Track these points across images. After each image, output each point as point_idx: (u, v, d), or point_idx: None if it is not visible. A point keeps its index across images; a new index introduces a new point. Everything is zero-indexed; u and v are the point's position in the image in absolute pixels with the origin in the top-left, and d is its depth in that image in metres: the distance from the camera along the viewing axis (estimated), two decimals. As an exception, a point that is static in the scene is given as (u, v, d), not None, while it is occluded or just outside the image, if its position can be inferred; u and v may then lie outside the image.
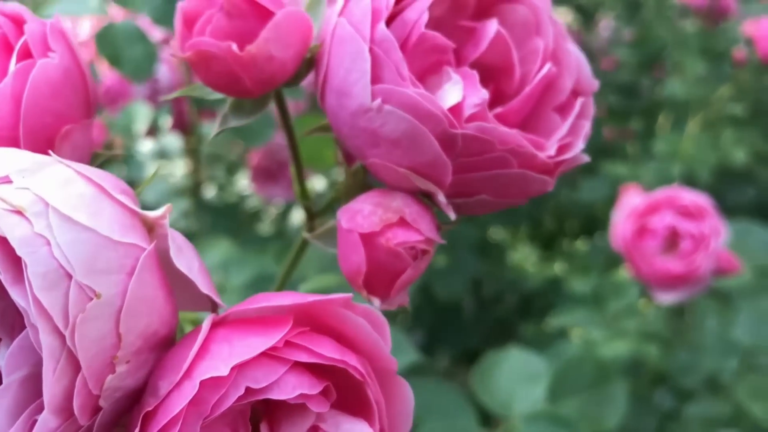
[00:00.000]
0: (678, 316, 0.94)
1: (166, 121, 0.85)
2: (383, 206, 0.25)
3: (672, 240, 0.72)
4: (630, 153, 1.43)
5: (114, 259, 0.20)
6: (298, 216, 1.15)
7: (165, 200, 1.03)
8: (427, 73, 0.26)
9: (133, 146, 0.82)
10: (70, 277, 0.19)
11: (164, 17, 0.69)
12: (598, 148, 1.42)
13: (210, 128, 1.01)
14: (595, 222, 1.39)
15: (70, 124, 0.26)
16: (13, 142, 0.25)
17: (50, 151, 0.22)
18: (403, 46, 0.24)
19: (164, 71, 0.92)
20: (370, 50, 0.23)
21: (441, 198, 0.25)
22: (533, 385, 0.66)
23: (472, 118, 0.24)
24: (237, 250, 0.72)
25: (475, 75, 0.25)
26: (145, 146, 0.86)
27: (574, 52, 0.27)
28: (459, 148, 0.24)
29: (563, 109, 0.27)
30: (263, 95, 0.27)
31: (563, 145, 0.26)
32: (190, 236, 0.84)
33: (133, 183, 0.77)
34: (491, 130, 0.24)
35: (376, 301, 0.25)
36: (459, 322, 1.37)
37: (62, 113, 0.26)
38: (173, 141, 0.90)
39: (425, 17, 0.24)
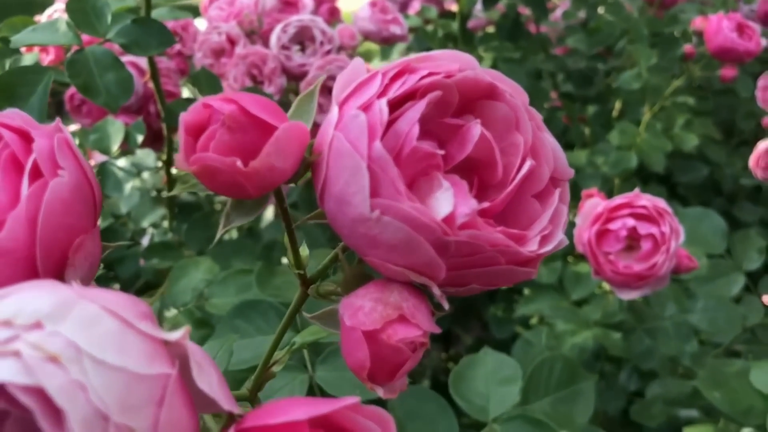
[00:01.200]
0: (638, 302, 0.99)
1: (139, 137, 0.85)
2: (383, 302, 0.27)
3: (633, 242, 0.76)
4: (588, 136, 1.47)
5: (145, 392, 0.22)
6: (269, 213, 1.17)
7: (141, 210, 1.04)
8: (418, 176, 0.28)
9: (111, 163, 0.82)
10: (107, 418, 0.21)
11: (134, 43, 0.69)
12: (556, 136, 1.46)
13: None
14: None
15: (82, 234, 0.27)
16: (30, 261, 0.26)
17: (72, 282, 0.24)
18: (396, 158, 0.26)
19: (134, 78, 0.92)
20: (368, 167, 0.25)
21: (436, 291, 0.27)
22: (508, 387, 0.70)
23: (464, 226, 0.26)
24: (219, 270, 0.73)
25: (464, 184, 0.27)
26: (120, 162, 0.86)
27: (550, 143, 0.29)
28: (452, 251, 0.26)
29: (542, 196, 0.29)
30: (263, 195, 0.29)
31: (545, 236, 0.28)
32: (170, 246, 0.84)
33: (111, 200, 0.77)
34: (481, 236, 0.26)
35: (380, 390, 0.27)
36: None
37: (74, 226, 0.27)
38: (147, 155, 0.90)
39: (416, 130, 0.26)
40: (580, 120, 1.49)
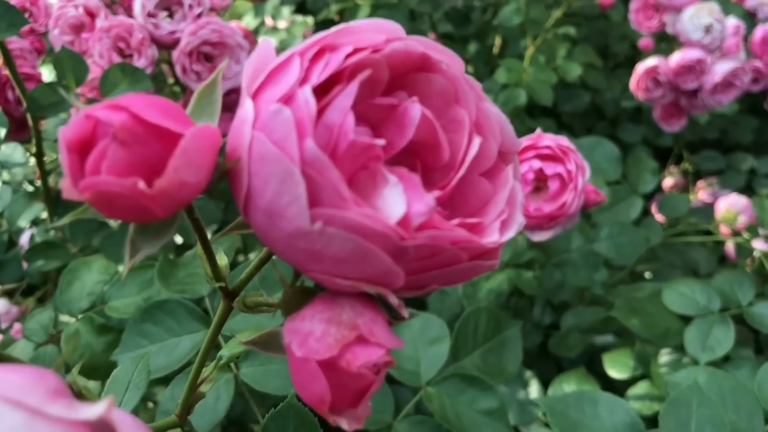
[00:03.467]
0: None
1: (1, 131, 0.76)
2: (335, 322, 0.23)
3: (540, 183, 0.75)
4: (472, 75, 1.46)
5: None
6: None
7: (16, 208, 0.94)
8: (358, 171, 0.24)
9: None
10: None
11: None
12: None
13: (49, 127, 0.92)
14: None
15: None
16: None
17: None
18: (331, 156, 0.22)
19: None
20: (302, 172, 0.21)
21: (393, 300, 0.24)
22: (437, 347, 0.68)
23: (422, 227, 0.22)
24: (114, 268, 0.67)
25: (414, 177, 0.23)
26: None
27: (494, 114, 0.26)
28: (410, 256, 0.22)
29: (491, 174, 0.26)
30: (173, 215, 0.24)
31: (504, 221, 0.25)
32: (54, 245, 0.76)
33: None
34: (442, 236, 0.22)
35: (344, 422, 0.24)
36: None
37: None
38: (13, 149, 0.81)
39: (351, 120, 0.22)
40: (464, 59, 1.47)
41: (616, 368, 0.91)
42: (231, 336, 0.51)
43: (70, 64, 0.77)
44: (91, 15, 0.86)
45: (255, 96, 0.23)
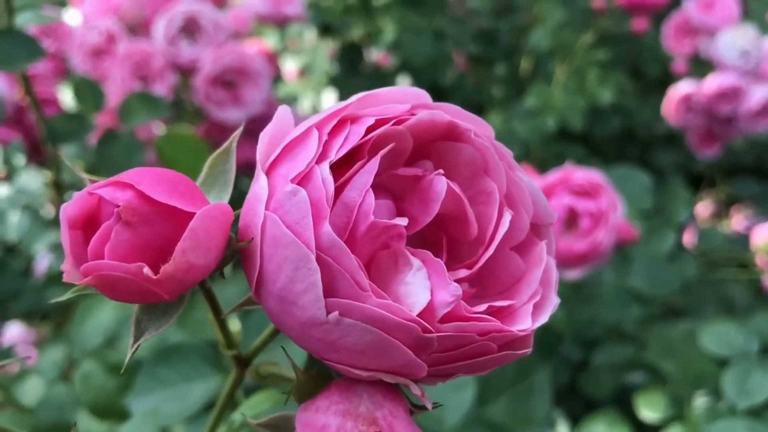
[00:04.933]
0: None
1: (20, 158, 0.75)
2: (351, 415, 0.21)
3: (571, 219, 0.72)
4: (498, 99, 1.44)
5: None
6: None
7: (31, 235, 0.93)
8: (377, 251, 0.22)
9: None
10: None
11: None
12: (466, 101, 1.42)
13: (68, 154, 0.91)
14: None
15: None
16: None
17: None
18: (349, 239, 0.20)
19: (4, 90, 0.82)
20: (318, 258, 0.19)
21: (415, 390, 0.22)
22: (461, 392, 0.65)
23: (447, 318, 0.20)
24: (124, 311, 0.65)
25: (439, 263, 0.21)
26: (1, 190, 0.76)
27: (527, 184, 0.24)
28: (434, 348, 0.21)
29: (523, 247, 0.24)
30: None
31: (537, 304, 0.23)
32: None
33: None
34: (470, 327, 0.20)
35: None
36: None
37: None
38: (30, 178, 0.80)
39: (370, 201, 0.20)
40: (491, 79, 1.45)
41: (648, 409, 0.88)
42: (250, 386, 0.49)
43: (89, 93, 0.76)
44: (112, 40, 0.85)
45: (270, 171, 0.22)
